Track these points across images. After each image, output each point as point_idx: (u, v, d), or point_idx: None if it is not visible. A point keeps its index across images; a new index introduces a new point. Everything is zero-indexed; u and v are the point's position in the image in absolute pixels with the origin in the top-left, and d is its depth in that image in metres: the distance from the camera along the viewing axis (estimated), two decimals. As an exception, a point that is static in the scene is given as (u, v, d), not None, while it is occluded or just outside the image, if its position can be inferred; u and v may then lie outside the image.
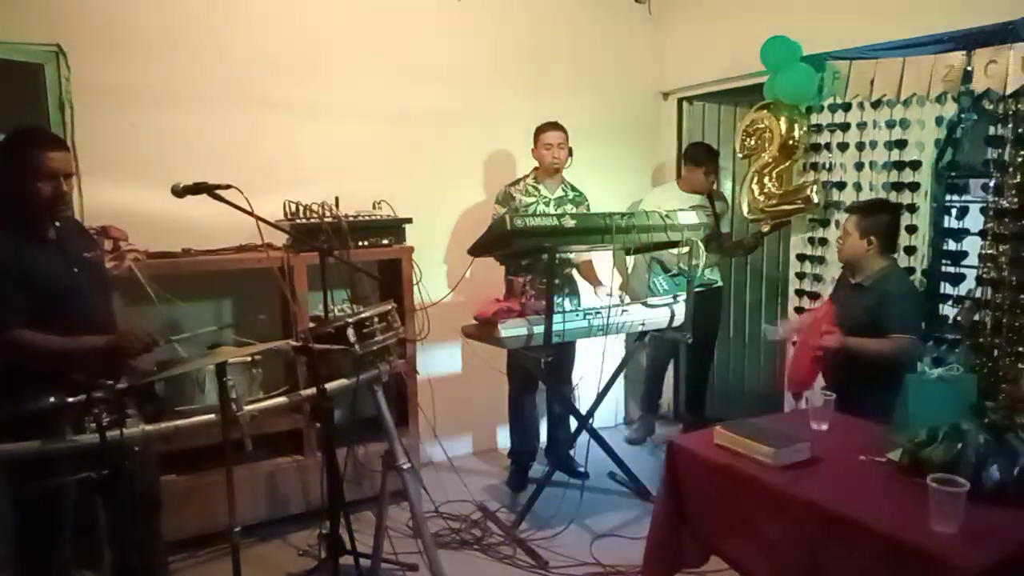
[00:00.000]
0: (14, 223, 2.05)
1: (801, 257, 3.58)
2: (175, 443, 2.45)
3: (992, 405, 2.54)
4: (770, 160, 3.44)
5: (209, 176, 2.22)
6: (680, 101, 4.44)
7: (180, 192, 2.17)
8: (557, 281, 3.54)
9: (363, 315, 2.33)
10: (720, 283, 4.14)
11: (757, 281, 4.48)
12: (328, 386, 2.21)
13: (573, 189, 3.65)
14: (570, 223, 2.83)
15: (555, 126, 3.51)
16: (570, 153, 3.54)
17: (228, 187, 2.20)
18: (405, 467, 2.53)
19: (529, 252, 3.04)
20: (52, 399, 1.79)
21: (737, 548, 1.97)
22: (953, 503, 1.56)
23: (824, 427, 2.24)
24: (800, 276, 3.60)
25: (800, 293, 3.59)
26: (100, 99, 3.07)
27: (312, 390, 2.15)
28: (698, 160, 3.90)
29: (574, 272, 3.74)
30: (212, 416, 1.93)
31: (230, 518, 1.87)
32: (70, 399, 1.77)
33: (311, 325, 2.56)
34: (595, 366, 3.52)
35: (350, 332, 2.29)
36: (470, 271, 3.89)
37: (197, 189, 2.19)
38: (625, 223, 2.96)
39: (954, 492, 1.56)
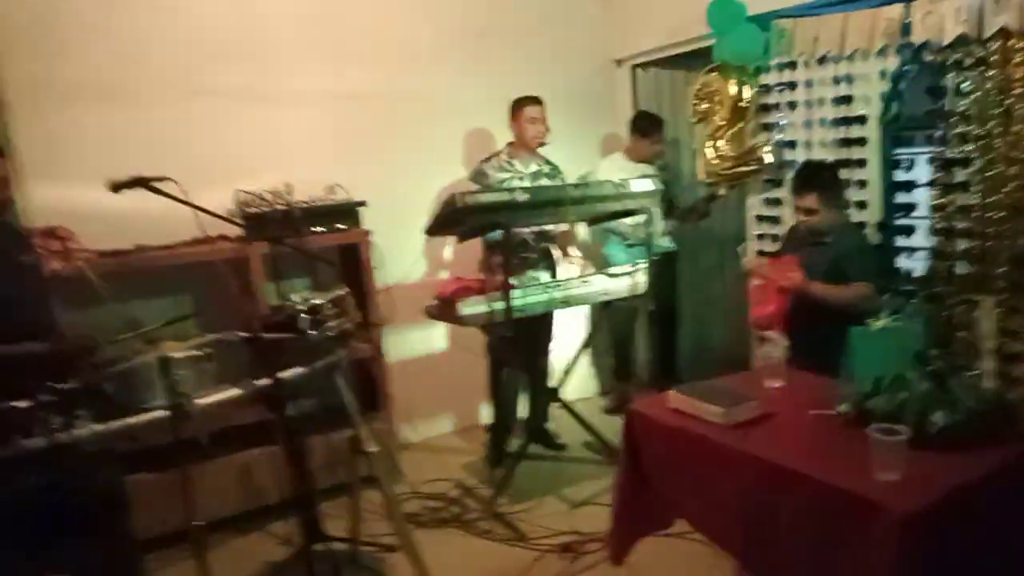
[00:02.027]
0: None
1: (759, 218, 3.61)
2: (141, 441, 2.42)
3: (936, 352, 2.58)
4: (722, 123, 3.47)
5: (159, 169, 2.18)
6: (633, 68, 4.42)
7: (116, 187, 2.13)
8: (534, 255, 3.55)
9: (313, 302, 2.31)
10: (674, 248, 4.16)
11: (716, 245, 4.51)
12: (283, 375, 2.19)
13: (548, 163, 3.62)
14: (522, 197, 2.82)
15: (536, 100, 3.49)
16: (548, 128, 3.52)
17: (164, 179, 2.17)
18: (371, 451, 2.53)
19: (483, 229, 3.02)
20: (-2, 405, 1.75)
21: (694, 508, 2.01)
22: (892, 451, 1.59)
23: (777, 384, 2.27)
24: (760, 237, 3.63)
25: (761, 254, 3.62)
26: (38, 96, 3.00)
27: (266, 380, 2.14)
28: (644, 130, 3.92)
29: (552, 245, 3.71)
30: (161, 413, 1.91)
31: (187, 513, 1.88)
32: (14, 403, 1.74)
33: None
34: (569, 337, 3.54)
35: (302, 319, 2.27)
36: (451, 250, 3.90)
37: (133, 183, 2.15)
38: (579, 194, 2.96)
39: (892, 441, 1.59)
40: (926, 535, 1.46)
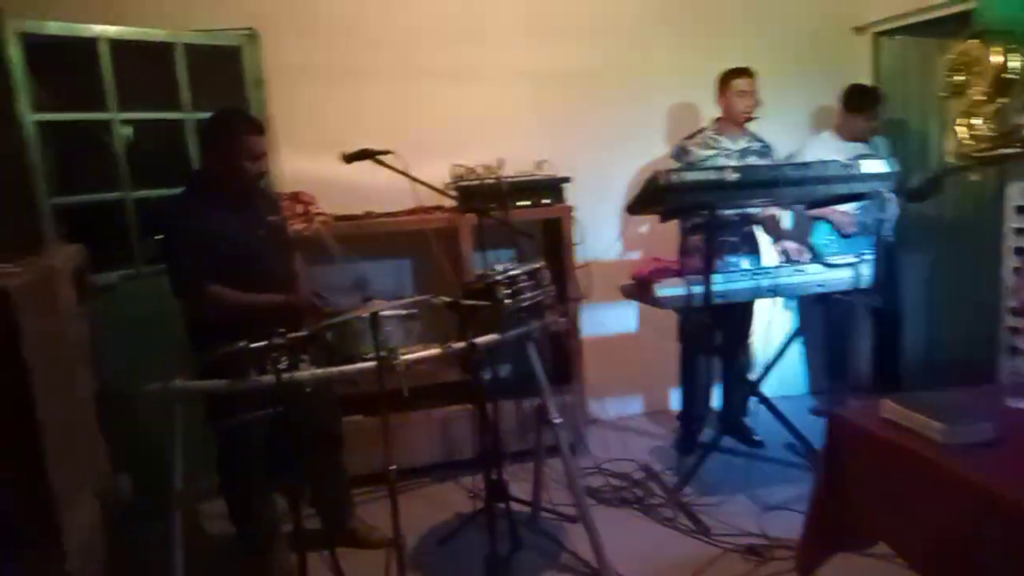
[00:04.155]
0: (214, 195, 2.37)
1: (1021, 210, 3.08)
2: (358, 387, 2.66)
3: None
4: (980, 97, 2.99)
5: (387, 142, 2.40)
6: (876, 36, 3.95)
7: (347, 159, 2.38)
8: (735, 239, 3.38)
9: (511, 272, 2.39)
10: (891, 238, 3.67)
11: (946, 236, 3.93)
12: (478, 340, 2.30)
13: (758, 139, 3.41)
14: (731, 177, 2.67)
15: (747, 72, 3.29)
16: (759, 102, 3.32)
17: (388, 152, 2.37)
18: (556, 422, 2.59)
19: (686, 209, 2.91)
20: (240, 344, 2.04)
21: (897, 530, 1.79)
22: None
23: (1022, 404, 1.95)
24: (1020, 232, 3.10)
25: (1021, 251, 3.10)
26: (290, 77, 3.40)
27: (461, 344, 2.26)
28: (860, 106, 3.51)
29: (757, 229, 3.51)
30: (370, 363, 2.10)
31: (386, 457, 2.05)
32: (253, 345, 2.02)
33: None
34: (777, 329, 3.30)
35: (499, 289, 2.36)
36: (647, 228, 3.84)
37: (362, 155, 2.38)
38: (798, 175, 2.74)
39: None
40: None
